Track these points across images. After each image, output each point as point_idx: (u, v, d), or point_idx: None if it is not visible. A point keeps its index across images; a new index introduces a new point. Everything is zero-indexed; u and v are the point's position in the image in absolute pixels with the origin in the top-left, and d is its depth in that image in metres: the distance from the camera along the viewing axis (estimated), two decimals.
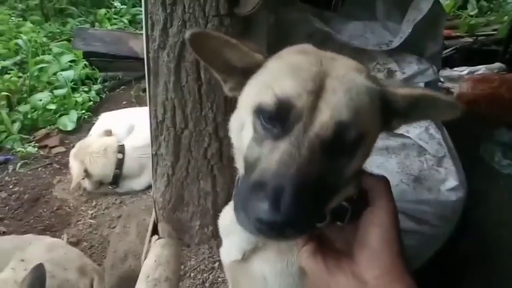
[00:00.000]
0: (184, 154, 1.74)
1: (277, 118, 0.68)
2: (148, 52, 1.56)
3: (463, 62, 3.99)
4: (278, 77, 0.71)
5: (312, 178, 0.62)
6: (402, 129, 1.87)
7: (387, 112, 0.74)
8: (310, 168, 0.63)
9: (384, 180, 0.74)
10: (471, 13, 5.11)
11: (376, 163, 1.80)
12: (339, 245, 0.76)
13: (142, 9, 1.47)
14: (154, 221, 1.99)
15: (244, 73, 0.80)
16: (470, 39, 4.50)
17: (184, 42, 1.45)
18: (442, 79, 3.57)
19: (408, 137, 1.86)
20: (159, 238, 1.93)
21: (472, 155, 2.63)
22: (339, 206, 0.76)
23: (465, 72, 3.78)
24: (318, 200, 0.64)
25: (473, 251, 2.11)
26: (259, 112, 0.71)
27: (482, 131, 2.89)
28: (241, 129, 0.78)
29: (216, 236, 1.95)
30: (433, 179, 1.79)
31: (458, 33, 4.57)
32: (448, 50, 4.11)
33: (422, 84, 2.00)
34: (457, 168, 1.84)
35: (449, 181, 1.79)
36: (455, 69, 3.86)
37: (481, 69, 3.79)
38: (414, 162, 1.82)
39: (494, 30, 4.64)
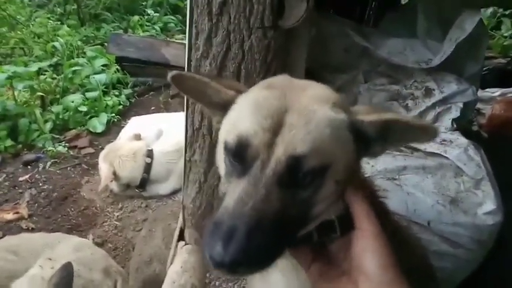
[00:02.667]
0: None
1: (237, 156, 0.70)
2: (190, 60, 1.57)
3: (495, 83, 3.90)
4: (241, 114, 0.73)
5: (269, 215, 0.63)
6: (440, 149, 1.85)
7: (362, 139, 0.74)
8: (268, 205, 0.63)
9: (361, 200, 0.74)
10: (505, 34, 5.03)
11: (412, 182, 1.76)
12: (346, 266, 0.75)
13: (187, 17, 1.49)
14: (181, 227, 1.99)
15: (225, 108, 0.81)
16: (503, 60, 4.42)
17: (226, 52, 1.46)
18: None
19: (446, 157, 1.81)
20: (185, 244, 1.93)
21: (505, 178, 2.56)
22: (326, 221, 0.77)
23: (497, 93, 3.68)
24: (279, 234, 0.64)
25: (505, 277, 2.03)
26: (226, 150, 0.73)
27: None
28: (219, 162, 0.80)
29: None
30: (470, 201, 1.74)
31: (491, 54, 4.49)
32: None
33: (461, 105, 1.96)
34: (495, 191, 1.78)
35: (486, 204, 1.73)
36: (487, 90, 3.77)
37: None
38: (451, 183, 1.76)
39: None
